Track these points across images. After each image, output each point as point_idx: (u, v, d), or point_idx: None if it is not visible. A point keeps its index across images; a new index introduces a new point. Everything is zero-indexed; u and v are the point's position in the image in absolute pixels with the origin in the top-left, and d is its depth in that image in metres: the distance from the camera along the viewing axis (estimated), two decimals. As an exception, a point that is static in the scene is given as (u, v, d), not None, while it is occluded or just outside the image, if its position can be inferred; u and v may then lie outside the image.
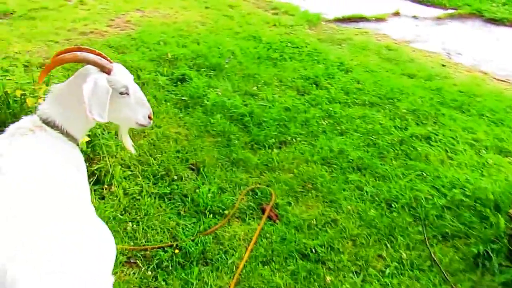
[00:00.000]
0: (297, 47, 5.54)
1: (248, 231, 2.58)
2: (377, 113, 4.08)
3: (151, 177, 2.93)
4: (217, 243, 2.47)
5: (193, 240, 2.42)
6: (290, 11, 7.26)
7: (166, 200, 2.75)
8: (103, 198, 2.68)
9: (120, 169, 2.94)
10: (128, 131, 2.06)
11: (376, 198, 2.91)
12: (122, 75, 1.79)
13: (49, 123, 1.70)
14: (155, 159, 3.14)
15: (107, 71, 1.75)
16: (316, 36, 6.21)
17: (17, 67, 3.72)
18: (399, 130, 3.78)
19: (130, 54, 4.73)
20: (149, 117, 1.91)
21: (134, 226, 2.48)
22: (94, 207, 2.59)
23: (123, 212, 2.58)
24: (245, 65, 4.84)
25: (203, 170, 3.08)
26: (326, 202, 2.88)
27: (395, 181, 3.08)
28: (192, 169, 3.11)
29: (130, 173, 2.94)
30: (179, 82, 4.32)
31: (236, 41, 5.51)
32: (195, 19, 6.22)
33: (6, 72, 3.38)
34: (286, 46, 5.53)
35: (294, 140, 3.56)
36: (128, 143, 2.10)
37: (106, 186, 2.78)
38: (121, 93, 1.78)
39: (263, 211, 2.75)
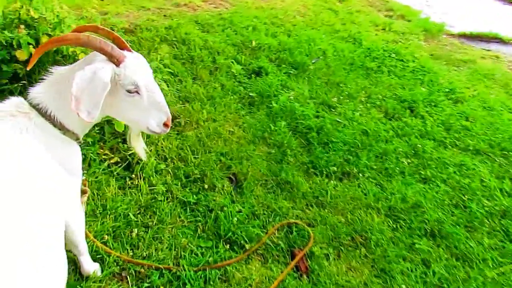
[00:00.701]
0: (402, 60, 4.71)
1: (266, 278, 2.09)
2: (481, 165, 3.18)
3: (183, 178, 2.60)
4: (224, 281, 2.04)
5: (196, 272, 2.02)
6: (407, 16, 6.31)
7: (188, 210, 2.39)
8: (123, 188, 2.42)
9: (155, 159, 2.67)
10: (140, 133, 1.72)
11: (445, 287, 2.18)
12: (134, 69, 1.42)
13: (40, 110, 1.42)
14: (195, 157, 2.80)
15: (116, 62, 1.40)
16: (430, 51, 5.26)
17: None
18: (506, 197, 2.88)
19: (213, 34, 4.45)
20: (165, 124, 1.52)
21: (142, 233, 2.17)
22: (110, 197, 2.38)
23: (137, 213, 2.29)
24: (332, 70, 4.23)
25: (241, 184, 2.65)
26: (376, 269, 2.25)
27: (481, 269, 2.29)
28: (231, 180, 2.70)
29: (163, 167, 2.64)
30: (253, 75, 3.92)
31: (331, 40, 4.89)
32: (295, 8, 5.71)
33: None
34: (389, 56, 4.74)
35: (361, 174, 2.92)
36: (138, 146, 1.75)
37: (133, 175, 2.52)
38: (129, 91, 1.42)
39: (292, 256, 2.24)
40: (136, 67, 1.44)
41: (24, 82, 2.88)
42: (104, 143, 2.66)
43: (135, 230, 2.16)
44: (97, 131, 2.68)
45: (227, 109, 3.41)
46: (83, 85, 1.33)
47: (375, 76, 4.31)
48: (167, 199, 2.43)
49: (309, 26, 5.19)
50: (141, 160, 2.55)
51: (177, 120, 3.13)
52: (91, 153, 2.52)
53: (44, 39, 2.94)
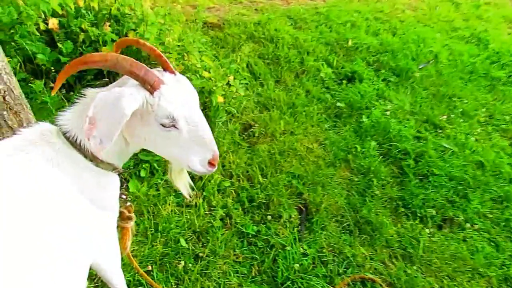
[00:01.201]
0: (542, 70, 3.71)
1: None
2: None
3: (246, 201, 2.30)
4: None
5: (240, 328, 1.72)
6: (554, 10, 5.03)
7: (245, 243, 2.09)
8: (181, 206, 2.22)
9: (220, 175, 2.42)
10: (183, 169, 1.44)
11: None
12: (171, 98, 1.13)
13: (68, 139, 1.22)
14: (263, 177, 2.47)
15: (150, 89, 1.12)
16: None
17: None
18: None
19: (306, 31, 4.02)
20: (211, 163, 1.22)
21: (190, 265, 1.94)
22: (165, 216, 2.20)
23: (189, 238, 2.06)
24: (444, 79, 3.48)
25: (311, 218, 2.25)
26: None
27: None
28: (300, 211, 2.32)
29: (227, 185, 2.38)
30: (344, 81, 3.42)
31: (447, 41, 4.07)
32: (405, 1, 4.93)
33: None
34: (524, 63, 3.77)
35: (468, 223, 2.28)
36: (180, 183, 1.48)
37: (193, 192, 2.30)
38: (163, 125, 1.14)
39: (363, 325, 1.79)
40: (175, 95, 1.15)
41: (107, 79, 2.88)
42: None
43: (183, 262, 1.93)
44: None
45: (309, 120, 3.00)
46: (102, 109, 1.09)
47: (502, 89, 3.44)
48: (224, 225, 2.16)
49: (420, 23, 4.42)
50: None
51: (251, 130, 2.84)
52: (155, 162, 2.38)
53: (130, 35, 2.87)
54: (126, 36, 2.92)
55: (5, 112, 1.88)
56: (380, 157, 2.69)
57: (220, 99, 2.66)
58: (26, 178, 1.12)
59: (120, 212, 1.55)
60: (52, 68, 2.75)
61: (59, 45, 2.83)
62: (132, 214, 1.60)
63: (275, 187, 2.40)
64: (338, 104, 3.15)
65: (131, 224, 1.61)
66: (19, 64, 2.73)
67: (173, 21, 3.15)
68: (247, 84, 3.24)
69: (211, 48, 3.51)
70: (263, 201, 2.32)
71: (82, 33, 2.87)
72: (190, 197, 1.77)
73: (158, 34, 2.95)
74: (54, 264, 1.12)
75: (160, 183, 2.31)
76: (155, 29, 2.87)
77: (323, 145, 2.80)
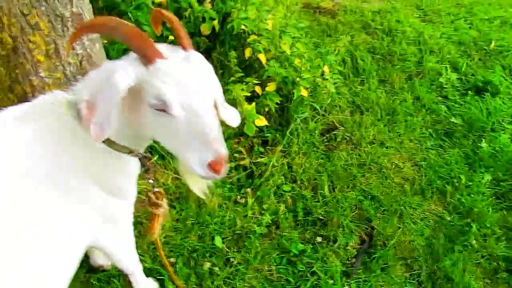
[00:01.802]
0: None
1: None
2: None
3: (301, 213, 2.00)
4: None
5: None
6: None
7: (284, 260, 1.82)
8: (229, 200, 2.05)
9: (280, 178, 2.17)
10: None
11: None
12: (167, 76, 0.95)
13: (79, 113, 1.14)
14: (331, 190, 2.13)
15: (146, 61, 0.95)
16: None
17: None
18: None
19: (435, 25, 3.35)
20: (213, 167, 1.00)
21: (216, 268, 1.77)
22: (210, 208, 2.06)
23: (227, 238, 1.89)
24: None
25: (374, 252, 1.85)
26: None
27: None
28: (361, 240, 1.93)
29: (287, 190, 2.12)
30: (470, 91, 2.74)
31: None
32: None
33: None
34: None
35: None
36: (192, 182, 1.29)
37: (248, 190, 2.12)
38: (153, 107, 0.96)
39: None
40: (174, 74, 0.95)
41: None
42: (239, 140, 2.35)
43: (209, 263, 1.78)
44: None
45: (408, 133, 2.48)
46: (96, 89, 0.97)
47: None
48: (269, 234, 1.93)
49: None
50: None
51: (334, 132, 2.48)
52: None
53: (234, 14, 2.74)
54: (229, 15, 2.83)
55: (79, 77, 1.98)
56: (492, 197, 2.05)
57: (304, 92, 2.38)
58: (22, 151, 1.07)
59: (148, 197, 1.46)
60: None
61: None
62: (161, 201, 1.49)
63: (340, 204, 2.04)
64: (453, 119, 2.53)
65: (160, 211, 1.50)
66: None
67: (276, 1, 2.94)
68: (344, 79, 2.85)
69: (316, 36, 3.20)
70: (321, 217, 1.99)
71: (189, 8, 2.89)
72: (207, 197, 1.56)
73: (257, 15, 2.77)
74: (43, 238, 1.07)
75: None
76: (253, 9, 2.69)
77: (417, 167, 2.28)
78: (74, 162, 1.12)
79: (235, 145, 2.34)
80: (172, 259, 1.75)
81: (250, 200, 2.05)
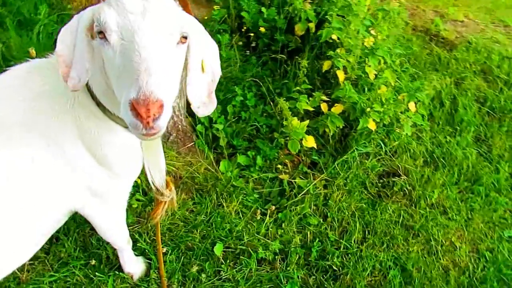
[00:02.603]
0: None
1: None
2: None
3: (314, 255, 1.80)
4: None
5: None
6: None
7: (275, 296, 1.66)
8: (247, 208, 1.93)
9: (310, 208, 1.97)
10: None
11: None
12: (113, 3, 0.86)
13: None
14: (361, 241, 1.87)
15: None
16: None
17: None
18: None
19: None
20: (134, 108, 0.78)
21: (203, 276, 1.69)
22: (230, 212, 1.97)
23: (229, 248, 1.78)
24: None
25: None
26: None
27: None
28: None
29: (312, 223, 1.92)
30: None
31: None
32: None
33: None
34: None
35: None
36: (150, 162, 1.18)
37: (272, 208, 1.96)
38: (98, 34, 0.89)
39: None
40: (124, 3, 0.86)
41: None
42: (289, 152, 2.18)
43: (198, 267, 1.70)
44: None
45: (485, 211, 2.05)
46: (69, 40, 0.93)
47: None
48: (272, 262, 1.77)
49: None
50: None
51: (394, 179, 2.16)
52: (265, 157, 2.14)
53: (335, 21, 2.54)
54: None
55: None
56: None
57: (372, 125, 2.10)
58: (25, 107, 1.08)
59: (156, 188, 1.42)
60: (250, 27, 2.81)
61: (263, 9, 2.84)
62: (166, 190, 1.44)
63: (363, 262, 1.78)
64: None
65: (164, 199, 1.47)
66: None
67: (388, 20, 2.64)
68: (432, 124, 2.46)
69: (420, 66, 2.80)
70: (335, 267, 1.76)
71: (290, 5, 2.77)
72: (158, 190, 1.35)
73: (356, 27, 2.52)
74: (26, 191, 1.11)
75: (250, 177, 2.07)
76: (356, 20, 2.44)
77: (478, 255, 1.87)
78: (70, 126, 1.11)
79: (282, 156, 2.20)
80: (165, 249, 1.72)
81: (268, 219, 1.91)
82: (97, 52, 0.93)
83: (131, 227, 1.77)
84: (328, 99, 2.17)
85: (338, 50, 2.21)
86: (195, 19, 1.02)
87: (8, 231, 1.11)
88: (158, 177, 1.22)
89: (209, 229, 1.83)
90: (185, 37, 0.96)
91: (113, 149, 1.19)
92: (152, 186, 1.23)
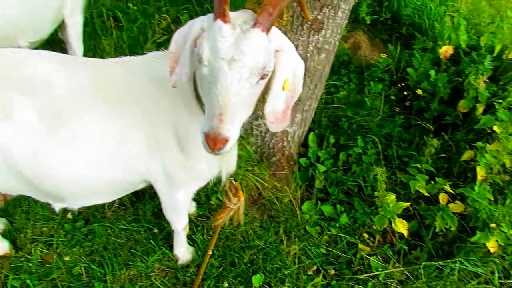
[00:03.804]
0: None
1: None
2: None
3: None
4: None
5: None
6: None
7: None
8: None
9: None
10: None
11: None
12: (214, 35, 0.99)
13: None
14: None
15: (214, 17, 1.01)
16: None
17: None
18: None
19: None
20: (206, 138, 0.98)
21: (232, 295, 1.70)
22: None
23: (275, 274, 1.74)
24: None
25: None
26: None
27: None
28: None
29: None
30: None
31: None
32: None
33: None
34: None
35: None
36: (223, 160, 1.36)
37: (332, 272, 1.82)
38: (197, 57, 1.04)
39: None
40: (218, 36, 0.98)
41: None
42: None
43: (228, 284, 1.72)
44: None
45: None
46: (180, 42, 1.09)
47: None
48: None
49: None
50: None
51: None
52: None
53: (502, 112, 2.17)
54: None
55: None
56: None
57: (492, 246, 1.70)
58: (139, 89, 1.30)
59: (226, 187, 1.55)
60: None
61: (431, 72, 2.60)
62: (234, 197, 1.55)
63: None
64: None
65: (231, 205, 1.57)
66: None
67: None
68: None
69: None
70: None
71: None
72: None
73: None
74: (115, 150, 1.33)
75: (327, 231, 1.96)
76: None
77: None
78: (169, 110, 1.29)
79: (374, 226, 2.00)
80: (210, 252, 1.80)
81: (320, 281, 1.78)
82: (197, 67, 1.08)
83: (197, 218, 1.92)
84: (451, 190, 1.85)
85: (489, 146, 1.84)
86: (285, 39, 1.08)
87: (98, 174, 1.36)
88: (225, 175, 1.35)
89: (260, 256, 1.83)
90: (266, 74, 1.02)
91: (196, 141, 1.31)
92: (222, 188, 1.34)
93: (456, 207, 1.79)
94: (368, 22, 3.12)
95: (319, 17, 1.69)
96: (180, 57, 1.10)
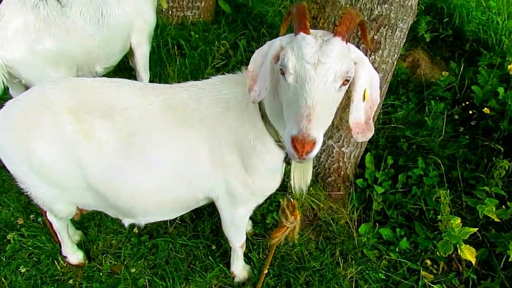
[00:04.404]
0: None
1: None
2: None
3: None
4: None
5: None
6: None
7: None
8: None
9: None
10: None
11: None
12: (297, 47, 1.06)
13: None
14: None
15: (295, 31, 1.10)
16: None
17: None
18: None
19: None
20: (293, 143, 1.01)
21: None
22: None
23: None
24: None
25: None
26: None
27: None
28: None
29: None
30: None
31: None
32: None
33: None
34: None
35: None
36: (295, 173, 1.35)
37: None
38: (280, 69, 1.11)
39: None
40: (303, 45, 1.05)
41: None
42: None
43: (285, 305, 1.71)
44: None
45: None
46: (259, 61, 1.18)
47: None
48: None
49: None
50: None
51: None
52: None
53: None
54: None
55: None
56: None
57: None
58: (208, 110, 1.39)
59: (283, 205, 1.57)
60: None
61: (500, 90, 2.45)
62: (291, 215, 1.56)
63: None
64: None
65: (288, 223, 1.59)
66: None
67: None
68: None
69: None
70: None
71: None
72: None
73: None
74: (182, 169, 1.43)
75: (386, 255, 1.89)
76: None
77: None
78: (234, 130, 1.36)
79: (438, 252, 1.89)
80: (266, 271, 1.81)
81: None
82: (276, 77, 1.15)
83: (253, 236, 1.96)
84: (527, 217, 1.71)
85: None
86: (361, 52, 1.14)
87: (167, 192, 1.45)
88: (298, 188, 1.36)
89: (315, 277, 1.81)
90: (348, 80, 1.08)
91: (260, 162, 1.38)
92: (284, 205, 1.37)
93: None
94: (427, 40, 3.03)
95: (376, 37, 1.70)
96: (259, 75, 1.17)
